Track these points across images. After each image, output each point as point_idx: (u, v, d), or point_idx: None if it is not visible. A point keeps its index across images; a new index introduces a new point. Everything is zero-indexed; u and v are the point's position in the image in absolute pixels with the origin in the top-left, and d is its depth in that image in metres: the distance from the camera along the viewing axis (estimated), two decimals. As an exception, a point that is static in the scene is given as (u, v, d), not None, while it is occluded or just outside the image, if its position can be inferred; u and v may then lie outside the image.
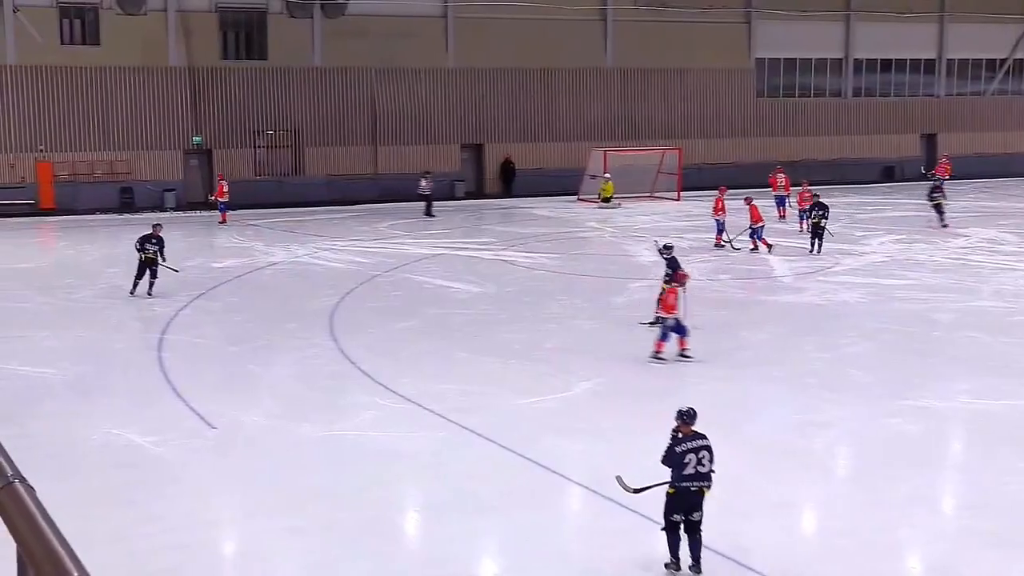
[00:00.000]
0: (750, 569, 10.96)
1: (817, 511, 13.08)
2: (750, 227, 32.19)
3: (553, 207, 45.09)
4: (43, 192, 43.29)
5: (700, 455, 10.77)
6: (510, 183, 50.48)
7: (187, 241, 36.94)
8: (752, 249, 31.92)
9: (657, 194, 48.54)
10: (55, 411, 16.55)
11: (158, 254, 25.53)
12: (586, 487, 13.06)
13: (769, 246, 31.99)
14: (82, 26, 44.62)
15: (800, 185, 37.12)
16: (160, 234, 25.74)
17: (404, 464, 14.22)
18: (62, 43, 44.06)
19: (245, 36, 47.16)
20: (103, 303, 25.36)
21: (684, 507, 10.77)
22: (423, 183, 42.76)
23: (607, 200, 45.31)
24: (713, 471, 10.90)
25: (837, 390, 17.66)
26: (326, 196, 46.59)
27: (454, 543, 11.81)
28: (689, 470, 10.75)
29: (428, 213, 42.15)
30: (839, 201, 45.18)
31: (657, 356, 19.38)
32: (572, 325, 22.65)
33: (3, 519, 2.01)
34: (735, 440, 15.21)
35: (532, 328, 22.38)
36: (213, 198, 41.16)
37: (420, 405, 16.60)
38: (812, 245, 31.78)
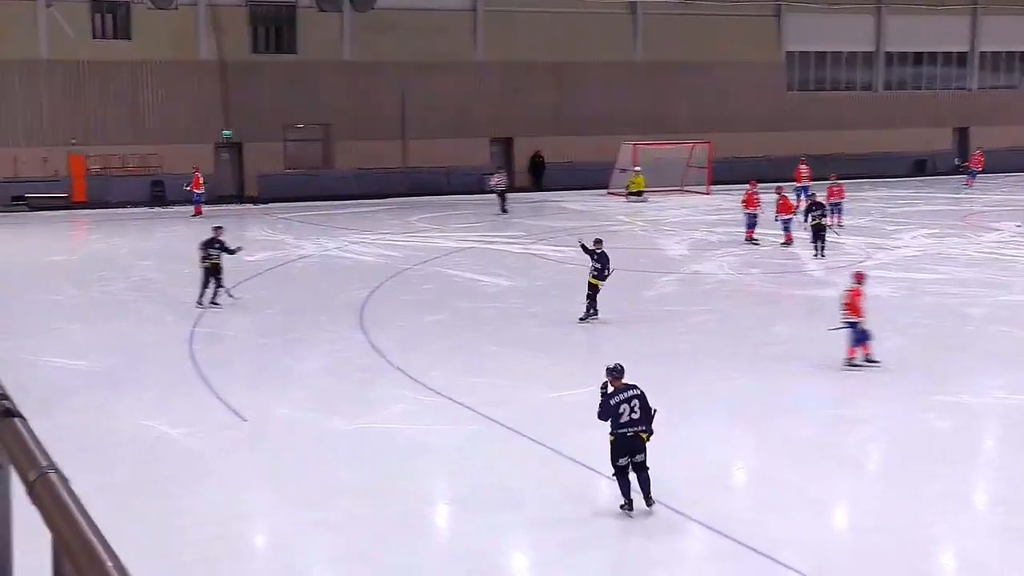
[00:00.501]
0: (783, 565, 10.88)
1: (850, 507, 12.99)
2: (779, 218, 31.97)
3: (583, 201, 45.02)
4: (76, 185, 43.61)
5: (632, 404, 12.04)
6: (540, 177, 50.43)
7: (218, 234, 37.13)
8: (783, 243, 31.69)
9: (687, 188, 48.41)
10: (88, 403, 16.64)
11: (221, 256, 23.69)
12: (613, 479, 13.00)
13: (791, 240, 31.71)
14: (114, 21, 44.87)
15: (828, 179, 36.92)
16: (222, 237, 24.01)
17: (432, 457, 14.22)
18: (94, 37, 44.31)
19: (275, 30, 47.32)
20: (135, 296, 25.48)
21: (627, 451, 11.98)
22: (494, 179, 42.07)
23: (637, 194, 45.21)
24: (655, 412, 12.10)
25: (871, 385, 17.53)
26: (356, 190, 46.66)
27: (482, 537, 11.80)
28: (624, 418, 12.00)
29: (503, 209, 41.04)
30: (870, 195, 45.03)
31: (851, 363, 18.37)
32: (601, 319, 22.57)
33: (38, 509, 2.00)
34: (767, 436, 15.16)
35: (561, 322, 22.33)
36: (188, 188, 41.21)
37: (449, 398, 16.60)
38: (815, 249, 29.95)
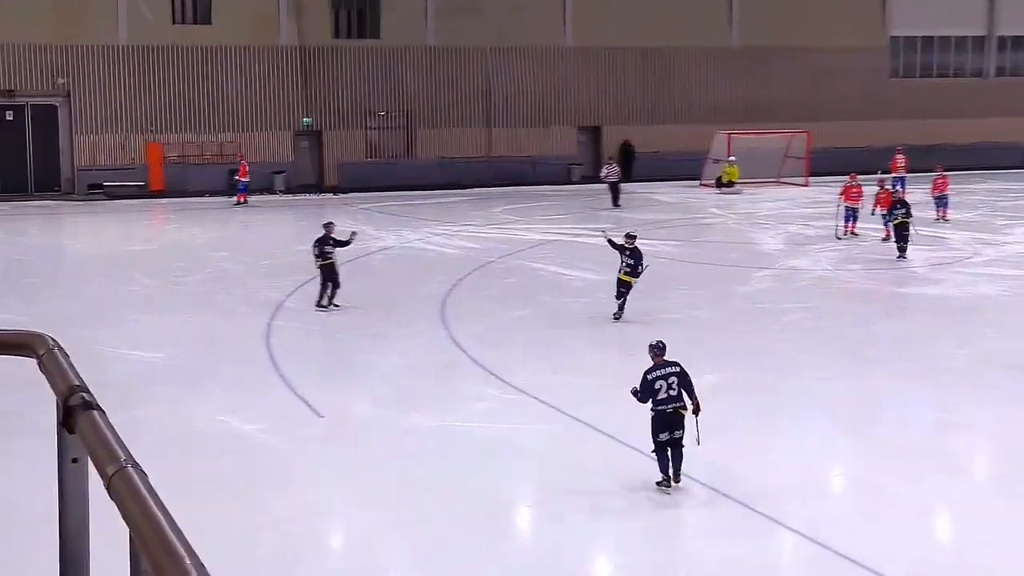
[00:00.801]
0: (881, 576, 10.75)
1: (956, 518, 12.78)
2: (877, 211, 31.38)
3: (674, 192, 44.79)
4: (153, 174, 44.27)
5: (670, 381, 12.88)
6: (629, 167, 50.19)
7: (297, 225, 37.37)
8: (883, 239, 31.11)
9: (783, 179, 47.94)
10: (164, 397, 16.92)
11: (336, 252, 23.15)
12: (707, 485, 12.94)
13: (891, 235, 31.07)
14: (193, 5, 45.51)
15: (934, 171, 36.32)
16: (334, 234, 23.36)
17: (515, 458, 14.25)
18: (173, 22, 44.98)
19: (357, 14, 47.64)
20: (211, 287, 25.85)
21: (666, 426, 12.80)
22: (605, 170, 41.48)
23: (730, 184, 44.82)
24: (689, 393, 12.87)
25: (978, 389, 17.22)
26: (439, 179, 46.86)
27: (566, 542, 11.79)
28: (662, 395, 12.86)
29: (616, 203, 40.33)
30: (978, 188, 44.24)
31: None
32: (693, 316, 22.48)
33: (116, 504, 2.03)
34: (866, 441, 14.97)
35: (651, 318, 22.23)
36: (236, 179, 41.64)
37: (533, 397, 16.61)
38: (899, 250, 28.59)
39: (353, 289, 25.52)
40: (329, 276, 23.12)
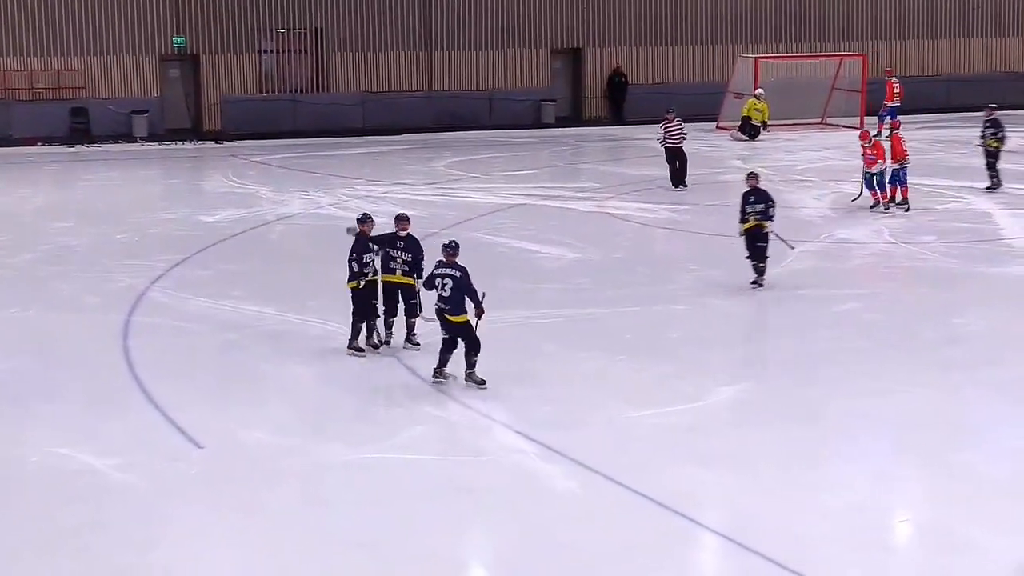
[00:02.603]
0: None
1: (1061, 577, 12.88)
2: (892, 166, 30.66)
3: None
4: (-39, 114, 43.95)
5: (444, 281, 17.27)
6: (620, 104, 50.23)
7: (165, 184, 37.29)
8: (874, 204, 30.34)
9: (831, 120, 48.01)
10: (-19, 421, 16.83)
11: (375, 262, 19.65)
12: (724, 536, 12.98)
13: (891, 200, 30.40)
14: None
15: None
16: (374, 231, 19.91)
17: (469, 501, 14.22)
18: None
19: None
20: (48, 271, 25.64)
21: (443, 326, 17.54)
22: (664, 130, 35.38)
23: (756, 127, 44.64)
24: (471, 297, 17.30)
25: (1092, 403, 17.40)
26: (360, 122, 46.73)
27: (538, 614, 11.81)
28: (437, 292, 17.37)
29: (680, 180, 35.09)
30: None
31: None
32: (708, 306, 22.49)
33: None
34: (942, 476, 15.03)
35: (650, 310, 22.27)
36: None
37: (491, 418, 16.60)
38: (756, 271, 23.59)
39: (243, 273, 25.46)
40: (371, 299, 19.74)
